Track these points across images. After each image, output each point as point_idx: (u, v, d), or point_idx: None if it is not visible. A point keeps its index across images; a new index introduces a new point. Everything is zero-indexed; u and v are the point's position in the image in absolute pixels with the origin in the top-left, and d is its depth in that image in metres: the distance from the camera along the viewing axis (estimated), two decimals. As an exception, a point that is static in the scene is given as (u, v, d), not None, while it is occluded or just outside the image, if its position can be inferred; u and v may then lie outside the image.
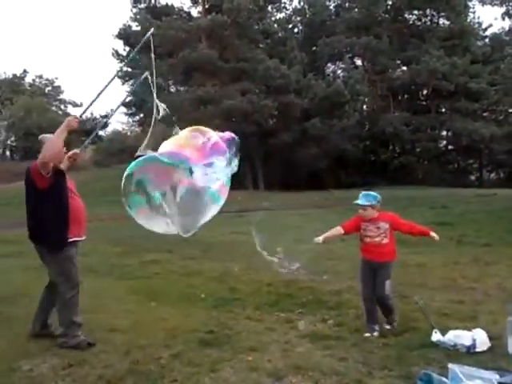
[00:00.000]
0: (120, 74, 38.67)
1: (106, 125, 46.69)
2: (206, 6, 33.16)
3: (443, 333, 4.05)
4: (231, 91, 30.09)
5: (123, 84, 39.47)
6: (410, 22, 39.42)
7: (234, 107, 29.09)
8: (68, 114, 46.83)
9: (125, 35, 35.03)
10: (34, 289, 4.53)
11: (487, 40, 39.60)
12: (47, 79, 51.59)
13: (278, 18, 39.66)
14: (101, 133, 47.21)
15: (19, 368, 3.67)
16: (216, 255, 8.97)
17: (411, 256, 7.93)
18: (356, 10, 37.72)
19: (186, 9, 35.88)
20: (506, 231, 10.95)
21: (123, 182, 3.87)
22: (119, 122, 49.35)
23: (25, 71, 50.86)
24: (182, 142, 4.06)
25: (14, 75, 49.95)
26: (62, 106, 50.91)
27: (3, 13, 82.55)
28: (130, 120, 42.80)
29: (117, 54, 37.08)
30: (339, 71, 41.75)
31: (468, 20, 38.31)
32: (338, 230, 4.55)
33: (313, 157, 31.84)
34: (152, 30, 4.37)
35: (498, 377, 3.22)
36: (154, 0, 35.51)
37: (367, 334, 4.33)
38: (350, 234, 4.68)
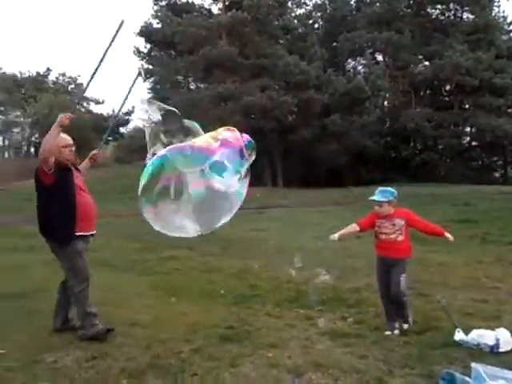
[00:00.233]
0: (141, 70, 39.01)
1: (127, 121, 47.32)
2: (227, 3, 33.17)
3: (466, 332, 4.00)
4: (251, 87, 30.06)
5: (144, 81, 39.83)
6: (433, 17, 38.73)
7: (253, 103, 29.07)
8: (90, 112, 47.72)
9: (146, 33, 35.31)
10: (54, 283, 4.60)
11: (512, 34, 38.75)
12: (70, 77, 52.29)
13: (298, 13, 39.44)
14: (122, 130, 47.90)
15: (43, 360, 3.74)
16: (235, 252, 8.99)
17: (431, 254, 7.82)
18: (377, 4, 37.14)
19: (206, 6, 35.99)
20: (531, 230, 10.71)
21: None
22: (140, 118, 49.79)
23: (48, 69, 51.61)
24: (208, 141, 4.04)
25: (38, 73, 50.74)
26: (85, 104, 51.56)
27: (27, 12, 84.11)
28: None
29: (138, 52, 37.39)
30: (360, 67, 41.30)
31: (493, 14, 37.45)
32: (354, 227, 4.52)
33: (332, 153, 31.60)
34: (122, 20, 4.17)
35: (522, 377, 3.15)
36: (175, -3, 35.72)
37: (388, 332, 4.30)
38: (365, 231, 4.65)
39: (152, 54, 38.26)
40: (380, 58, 39.61)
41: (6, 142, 52.81)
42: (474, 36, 34.52)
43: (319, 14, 41.52)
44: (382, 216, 4.42)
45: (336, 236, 4.44)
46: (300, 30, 36.38)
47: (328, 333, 4.33)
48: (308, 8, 41.01)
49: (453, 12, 38.36)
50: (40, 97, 43.70)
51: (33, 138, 48.66)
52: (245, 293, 5.88)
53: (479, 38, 34.60)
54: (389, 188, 4.52)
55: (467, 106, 37.24)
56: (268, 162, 32.06)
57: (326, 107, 32.40)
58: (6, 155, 52.88)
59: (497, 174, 41.21)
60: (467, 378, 3.14)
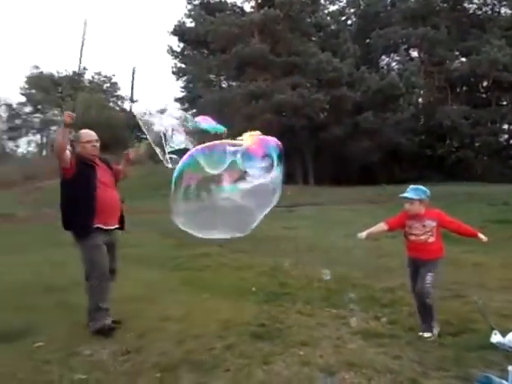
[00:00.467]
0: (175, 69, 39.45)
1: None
2: (259, 1, 33.22)
3: (503, 334, 3.88)
4: (282, 85, 30.02)
5: (177, 80, 40.34)
6: (470, 12, 37.84)
7: (284, 101, 29.03)
8: (124, 110, 48.59)
9: (180, 32, 35.77)
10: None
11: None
12: (105, 76, 53.50)
13: (330, 10, 39.29)
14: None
15: (80, 353, 3.85)
16: (266, 250, 8.99)
17: (466, 255, 7.63)
18: (412, -1, 36.61)
19: (239, 4, 36.17)
20: None
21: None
22: (173, 116, 50.32)
23: (84, 68, 52.85)
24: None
25: (74, 72, 52.05)
26: (119, 102, 52.62)
27: (63, 13, 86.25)
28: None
29: (171, 51, 37.90)
30: (394, 63, 40.70)
31: (532, 8, 36.31)
32: (382, 226, 4.41)
33: (365, 151, 31.22)
34: (85, 19, 4.28)
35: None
36: (208, -4, 36.02)
37: (425, 334, 4.20)
38: (394, 231, 4.54)
39: (185, 52, 38.73)
40: (415, 54, 38.95)
41: (45, 140, 54.35)
42: (513, 31, 33.49)
43: (352, 10, 41.16)
44: (412, 216, 4.29)
45: (364, 234, 4.35)
46: (333, 27, 36.15)
47: (360, 332, 4.27)
48: (341, 4, 40.77)
49: (490, 7, 37.41)
50: (76, 95, 44.75)
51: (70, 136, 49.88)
52: (275, 290, 5.87)
53: (517, 33, 33.55)
54: (421, 186, 4.42)
55: (505, 103, 36.21)
56: (299, 160, 31.97)
57: (358, 104, 32.07)
58: (44, 153, 54.42)
59: (537, 173, 39.82)
60: (505, 382, 3.05)
